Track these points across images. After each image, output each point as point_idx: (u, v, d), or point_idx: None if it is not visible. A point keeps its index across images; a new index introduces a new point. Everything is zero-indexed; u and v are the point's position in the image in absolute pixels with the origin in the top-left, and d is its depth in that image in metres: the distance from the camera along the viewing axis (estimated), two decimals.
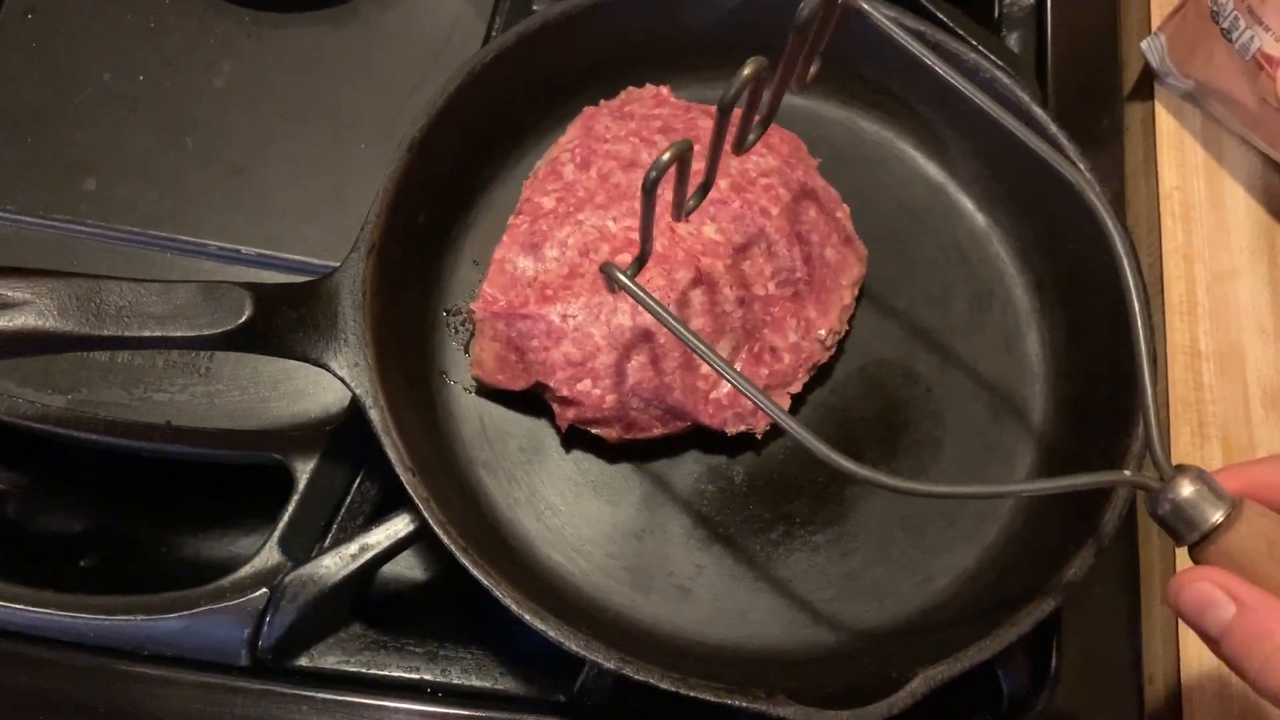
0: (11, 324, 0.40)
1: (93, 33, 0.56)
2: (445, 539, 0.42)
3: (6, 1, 0.56)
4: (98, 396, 0.50)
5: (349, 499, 0.50)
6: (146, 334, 0.41)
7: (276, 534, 0.48)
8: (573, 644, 0.41)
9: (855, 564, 0.48)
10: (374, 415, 0.44)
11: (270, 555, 0.48)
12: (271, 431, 0.50)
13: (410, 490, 0.43)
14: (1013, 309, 0.53)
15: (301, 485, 0.49)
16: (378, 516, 0.49)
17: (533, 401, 0.50)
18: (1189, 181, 0.59)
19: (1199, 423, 0.54)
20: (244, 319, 0.42)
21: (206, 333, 0.42)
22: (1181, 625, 0.50)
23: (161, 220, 0.53)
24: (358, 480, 0.51)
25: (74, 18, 0.56)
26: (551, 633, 0.41)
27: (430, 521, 0.42)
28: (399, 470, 0.43)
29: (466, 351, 0.51)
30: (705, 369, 0.47)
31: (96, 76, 0.55)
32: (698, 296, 0.47)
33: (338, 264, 0.47)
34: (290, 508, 0.48)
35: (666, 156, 0.37)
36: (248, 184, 0.54)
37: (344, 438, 0.50)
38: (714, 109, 0.53)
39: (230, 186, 0.54)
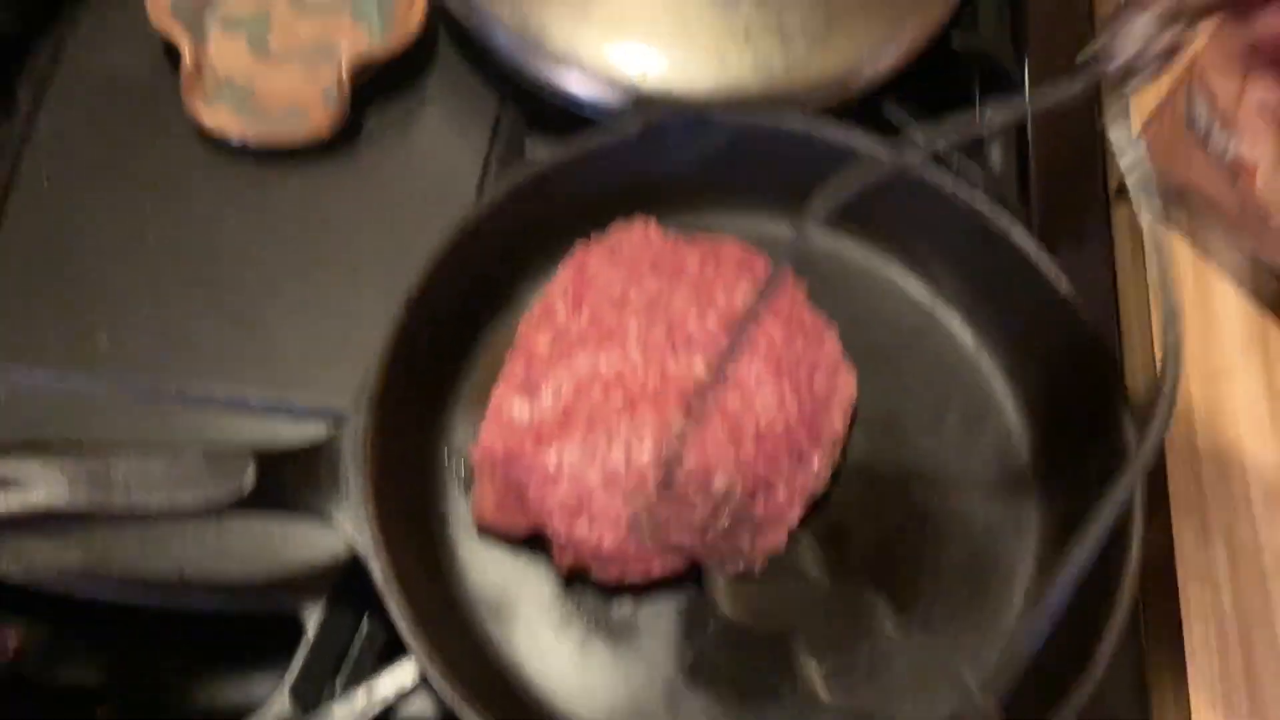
0: (23, 504, 0.42)
1: (103, 192, 0.59)
2: (448, 699, 0.43)
3: (23, 168, 0.59)
4: (113, 547, 0.51)
5: (358, 641, 0.51)
6: (155, 507, 0.43)
7: (288, 685, 0.49)
8: None
9: (866, 697, 0.48)
10: (375, 569, 0.45)
11: (281, 705, 0.49)
12: (282, 581, 0.51)
13: (413, 648, 0.44)
14: (1004, 427, 0.54)
15: (311, 634, 0.50)
16: (386, 657, 0.49)
17: (535, 540, 0.50)
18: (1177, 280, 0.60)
19: (1201, 525, 0.54)
20: (249, 486, 0.43)
21: (213, 502, 0.43)
22: None
23: (171, 374, 0.54)
24: (364, 624, 0.52)
25: (85, 180, 0.59)
26: None
27: (433, 681, 0.43)
28: (400, 627, 0.44)
29: (467, 493, 0.52)
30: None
31: (106, 235, 0.57)
32: (690, 434, 0.48)
33: (346, 408, 0.48)
34: (300, 658, 0.49)
35: None
36: (255, 333, 0.55)
37: (351, 581, 0.51)
38: (701, 243, 0.55)
39: (238, 337, 0.55)
